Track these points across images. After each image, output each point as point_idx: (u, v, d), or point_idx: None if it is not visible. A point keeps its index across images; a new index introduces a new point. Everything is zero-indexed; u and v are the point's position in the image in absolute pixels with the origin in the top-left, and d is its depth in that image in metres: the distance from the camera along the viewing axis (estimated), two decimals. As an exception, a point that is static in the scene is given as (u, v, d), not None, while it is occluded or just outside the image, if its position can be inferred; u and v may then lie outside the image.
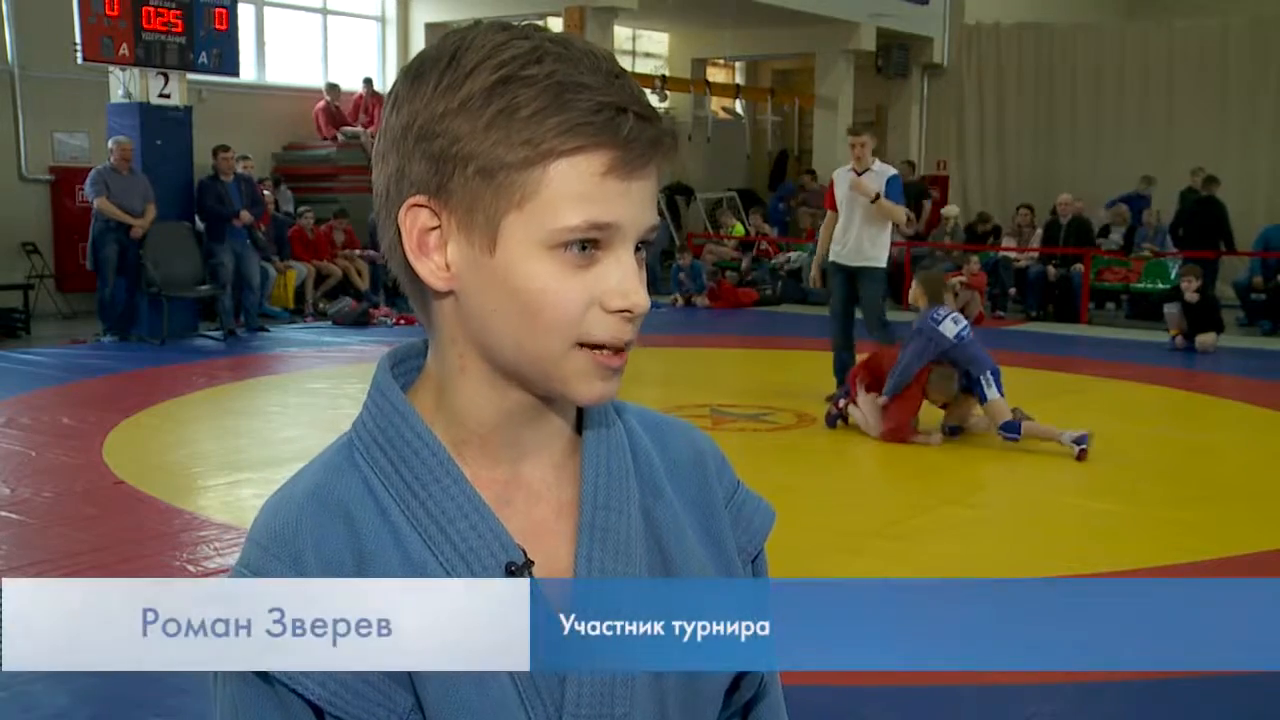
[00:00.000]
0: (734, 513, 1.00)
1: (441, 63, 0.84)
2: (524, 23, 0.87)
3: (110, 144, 10.42)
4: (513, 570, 0.85)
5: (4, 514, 5.09)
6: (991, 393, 6.78)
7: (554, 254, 0.83)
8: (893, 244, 8.66)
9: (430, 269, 0.85)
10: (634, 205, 0.84)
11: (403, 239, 0.86)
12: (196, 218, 11.37)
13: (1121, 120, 17.32)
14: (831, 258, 7.89)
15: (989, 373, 6.80)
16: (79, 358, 9.61)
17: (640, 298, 0.85)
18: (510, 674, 0.84)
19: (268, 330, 11.31)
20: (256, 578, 0.84)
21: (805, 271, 15.05)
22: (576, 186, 0.82)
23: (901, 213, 7.81)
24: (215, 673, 0.86)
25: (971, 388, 6.80)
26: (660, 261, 15.32)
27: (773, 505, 1.04)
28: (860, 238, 7.66)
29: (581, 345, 0.84)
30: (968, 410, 6.97)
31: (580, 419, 0.95)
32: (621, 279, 0.84)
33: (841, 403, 7.25)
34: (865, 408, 6.92)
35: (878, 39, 17.32)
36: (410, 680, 0.83)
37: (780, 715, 1.05)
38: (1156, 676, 3.63)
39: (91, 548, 4.64)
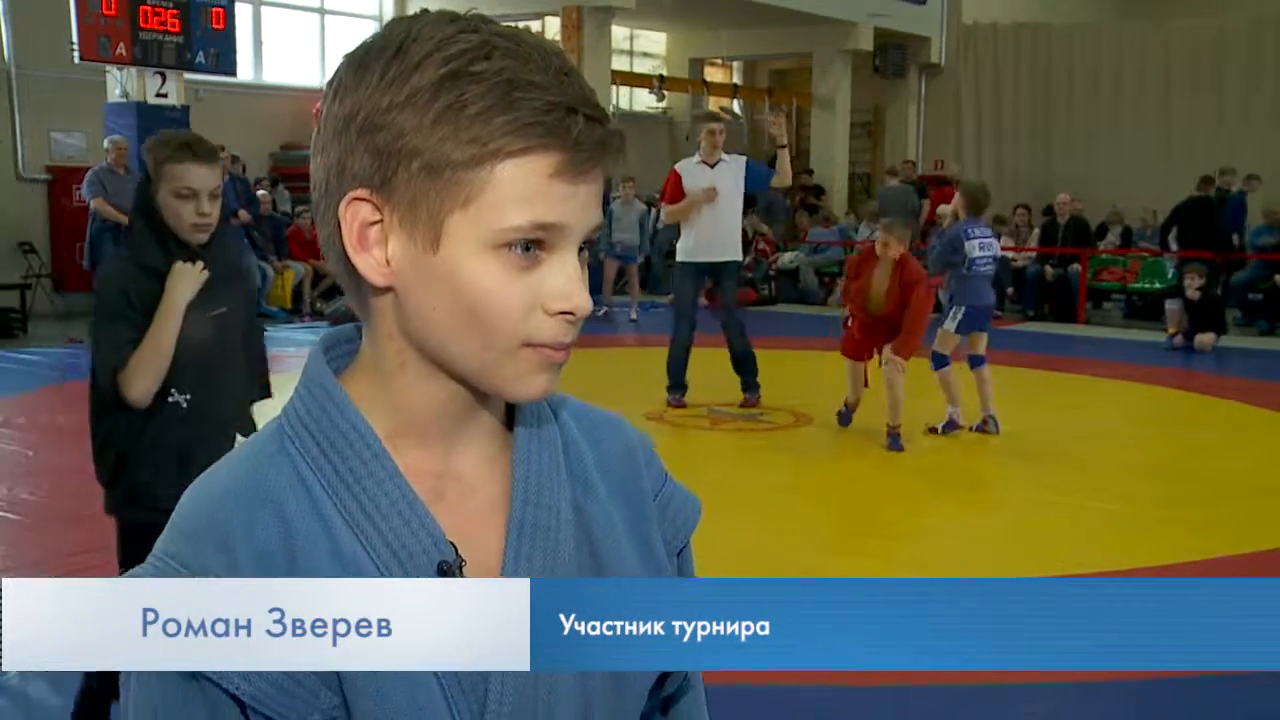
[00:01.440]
0: (661, 505, 1.00)
1: (387, 53, 0.82)
2: (470, 12, 0.85)
3: (106, 144, 10.42)
4: (445, 569, 0.85)
5: (1, 514, 5.08)
6: (948, 323, 6.85)
7: (497, 254, 0.82)
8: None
9: (370, 264, 0.84)
10: (580, 207, 0.83)
11: (342, 232, 0.84)
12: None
13: (1118, 120, 17.35)
14: (687, 257, 7.56)
15: (963, 308, 6.80)
16: (76, 357, 9.59)
17: (583, 299, 0.84)
18: (435, 673, 0.83)
19: (264, 330, 11.28)
20: (183, 569, 0.82)
21: (802, 271, 15.12)
22: (523, 187, 0.81)
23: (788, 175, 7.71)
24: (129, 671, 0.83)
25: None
26: (663, 261, 15.32)
27: (700, 499, 1.04)
28: (725, 233, 7.46)
29: (525, 345, 0.84)
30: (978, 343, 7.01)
31: (511, 411, 0.94)
32: (565, 281, 0.83)
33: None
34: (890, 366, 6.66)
35: (875, 39, 17.34)
36: (338, 680, 0.82)
37: (701, 709, 1.04)
38: (1157, 676, 3.63)
39: (89, 548, 4.63)
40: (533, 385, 0.86)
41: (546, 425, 0.94)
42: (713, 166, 7.36)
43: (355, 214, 0.83)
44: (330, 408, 0.88)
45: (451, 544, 0.86)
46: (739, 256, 7.60)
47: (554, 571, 0.89)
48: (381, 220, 0.83)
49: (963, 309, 6.84)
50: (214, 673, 0.80)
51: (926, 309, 6.49)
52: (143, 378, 2.57)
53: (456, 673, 0.84)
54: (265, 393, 3.08)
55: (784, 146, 7.57)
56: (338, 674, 0.82)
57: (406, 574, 0.84)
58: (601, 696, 0.91)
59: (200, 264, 2.64)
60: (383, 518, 0.85)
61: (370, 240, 0.83)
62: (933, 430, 6.96)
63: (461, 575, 0.85)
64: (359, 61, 0.83)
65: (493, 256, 0.81)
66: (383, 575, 0.84)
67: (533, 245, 0.82)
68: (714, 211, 7.34)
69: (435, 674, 0.84)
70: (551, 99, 0.80)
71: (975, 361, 7.00)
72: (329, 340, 0.93)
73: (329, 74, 0.88)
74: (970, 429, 6.97)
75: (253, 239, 11.41)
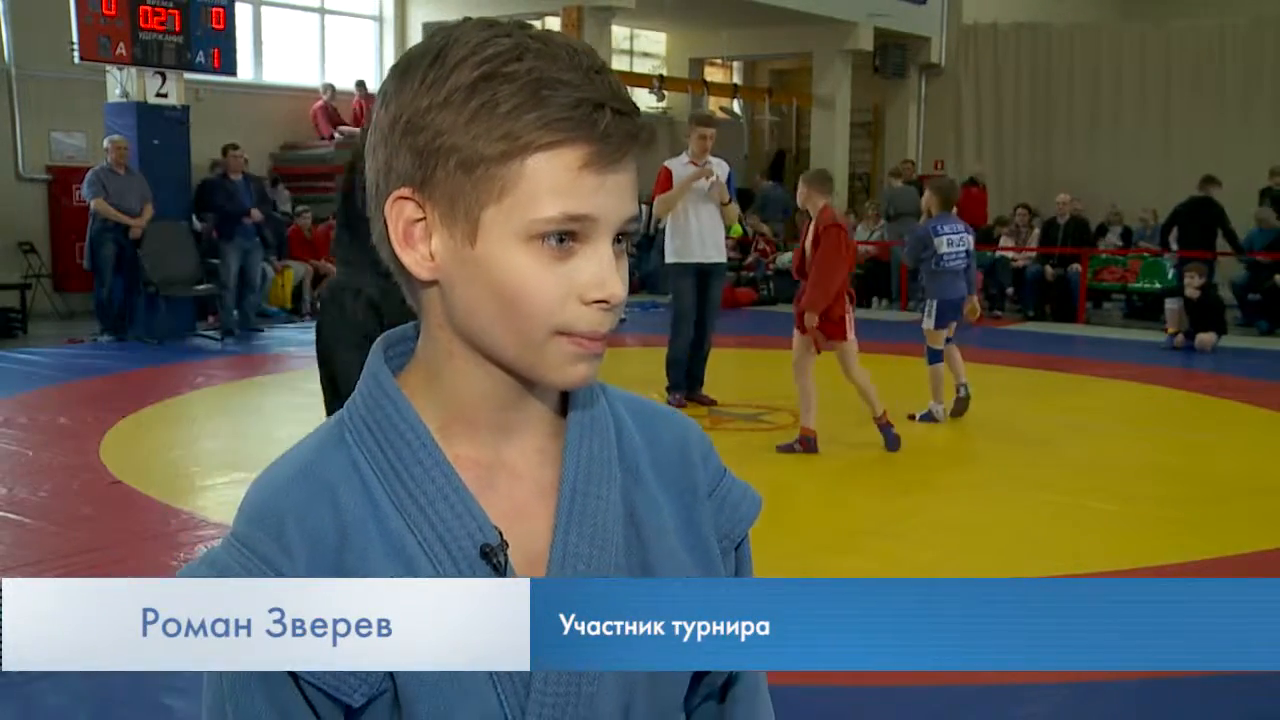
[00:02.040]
0: (719, 500, 1.02)
1: (428, 59, 0.86)
2: (510, 20, 0.89)
3: (106, 143, 10.42)
4: (487, 552, 0.88)
5: (1, 514, 5.08)
6: (925, 321, 7.00)
7: (531, 246, 0.85)
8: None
9: (415, 259, 0.88)
10: (611, 197, 0.86)
11: (389, 231, 0.88)
12: (194, 217, 11.37)
13: (1118, 120, 17.35)
14: (679, 257, 7.58)
15: (935, 303, 6.91)
16: (76, 357, 9.60)
17: (617, 288, 0.87)
18: None
19: (263, 330, 11.31)
20: (245, 549, 0.87)
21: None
22: (553, 180, 0.84)
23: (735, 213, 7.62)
24: None
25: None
26: (663, 261, 15.31)
27: (760, 494, 1.06)
28: (715, 233, 7.51)
29: (561, 334, 0.87)
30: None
31: (565, 402, 0.97)
32: (598, 270, 0.86)
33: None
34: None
35: (875, 39, 17.33)
36: None
37: (758, 692, 1.05)
38: (1156, 676, 3.63)
39: (88, 548, 4.64)
40: (572, 374, 0.89)
41: (600, 415, 0.97)
42: (700, 167, 7.42)
43: (400, 212, 0.88)
44: (384, 401, 0.92)
45: (497, 529, 0.89)
46: (724, 259, 7.67)
47: (601, 560, 0.92)
48: (424, 218, 0.88)
49: (935, 303, 7.04)
50: None
51: (833, 254, 6.25)
52: None
53: None
54: None
55: (727, 203, 7.49)
56: None
57: (451, 557, 0.88)
58: (644, 684, 0.93)
59: None
60: (429, 503, 0.89)
61: (415, 237, 0.88)
62: (911, 417, 7.21)
63: (505, 559, 0.88)
64: (403, 68, 0.88)
65: (527, 248, 0.85)
66: (429, 558, 0.88)
67: (566, 237, 0.86)
68: (698, 212, 7.41)
69: None
70: (579, 95, 0.84)
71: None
72: (390, 338, 0.98)
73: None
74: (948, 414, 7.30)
75: (264, 238, 11.42)
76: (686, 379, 7.73)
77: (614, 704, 0.91)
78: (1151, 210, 14.80)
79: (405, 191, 0.87)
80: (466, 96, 0.84)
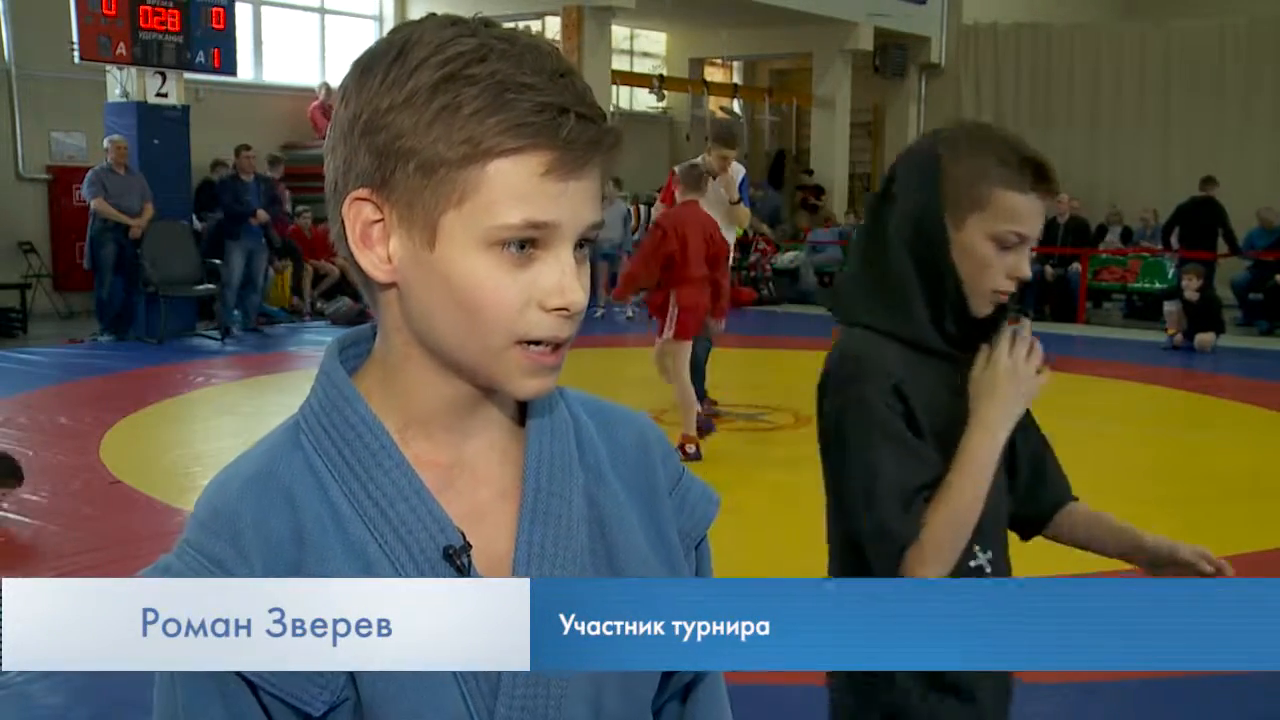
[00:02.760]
0: (678, 499, 1.01)
1: (389, 56, 0.84)
2: (476, 17, 0.87)
3: (106, 143, 10.42)
4: (450, 553, 0.87)
5: (1, 514, 5.08)
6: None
7: (492, 252, 0.84)
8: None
9: (373, 261, 0.87)
10: (573, 205, 0.85)
11: (346, 231, 0.87)
12: (194, 217, 11.37)
13: (1118, 120, 17.34)
14: None
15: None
16: (76, 357, 9.60)
17: (577, 295, 0.86)
18: None
19: (264, 330, 11.31)
20: (201, 556, 0.86)
21: (802, 271, 15.11)
22: (515, 186, 0.83)
23: (745, 215, 7.61)
24: None
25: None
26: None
27: (718, 494, 1.05)
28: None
29: (519, 343, 0.86)
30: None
31: (524, 405, 0.96)
32: (559, 278, 0.85)
33: None
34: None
35: (875, 39, 17.33)
36: None
37: (718, 694, 1.05)
38: (1157, 676, 3.63)
39: (88, 547, 4.64)
40: (529, 385, 0.88)
41: (559, 417, 0.96)
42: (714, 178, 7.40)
43: (358, 213, 0.86)
44: (341, 402, 0.91)
45: (459, 530, 0.88)
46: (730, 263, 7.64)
47: (566, 559, 0.90)
48: (383, 219, 0.86)
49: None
50: None
51: (647, 249, 6.37)
52: (946, 552, 1.55)
53: None
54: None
55: (736, 202, 7.42)
56: None
57: (412, 559, 0.87)
58: (613, 685, 0.92)
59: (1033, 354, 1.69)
60: (389, 504, 0.87)
61: (373, 238, 0.86)
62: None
63: (468, 560, 0.87)
64: (364, 66, 0.86)
65: (487, 254, 0.84)
66: (389, 560, 0.87)
67: (527, 243, 0.84)
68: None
69: None
70: (543, 100, 0.82)
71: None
72: (345, 339, 0.96)
73: (329, 74, 0.89)
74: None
75: (270, 240, 11.43)
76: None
77: (584, 706, 0.90)
78: (1152, 210, 14.80)
79: (364, 192, 0.85)
80: (428, 98, 0.82)
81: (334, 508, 0.88)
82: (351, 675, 0.84)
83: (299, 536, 0.86)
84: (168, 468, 6.09)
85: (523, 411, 0.95)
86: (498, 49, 0.83)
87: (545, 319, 0.85)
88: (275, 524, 0.86)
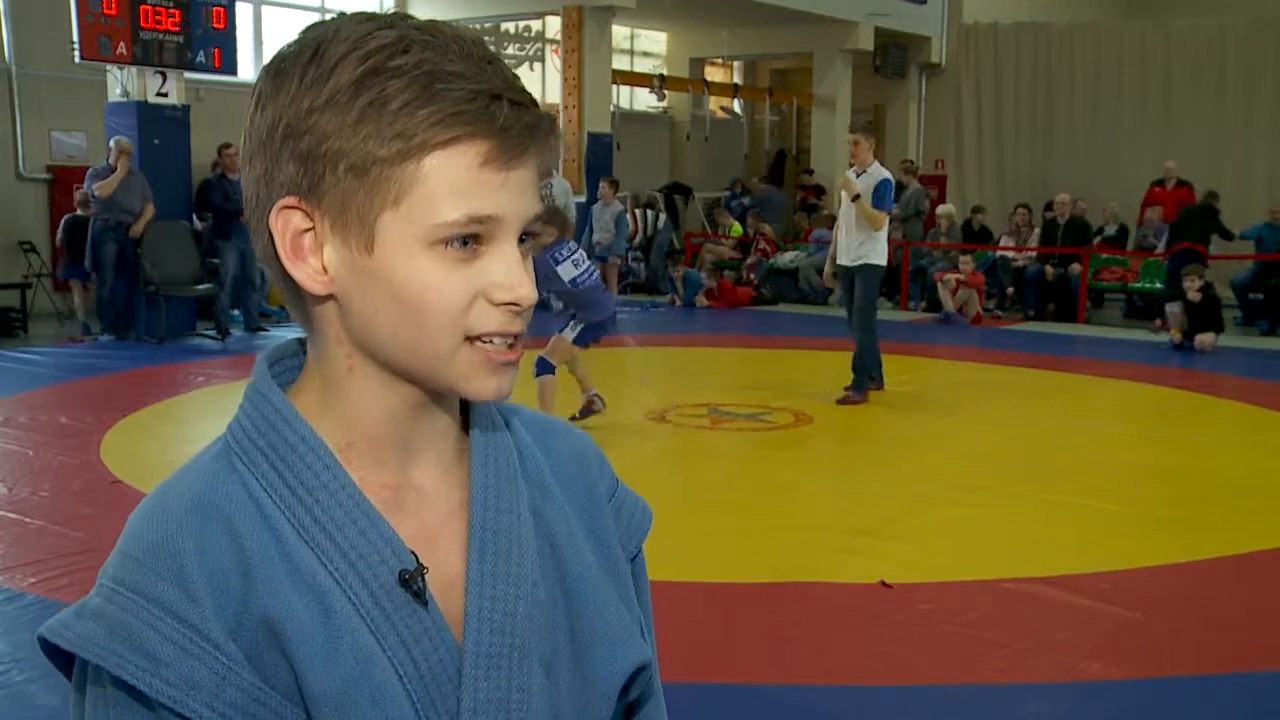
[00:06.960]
0: (615, 510, 1.00)
1: (304, 57, 0.81)
2: (393, 11, 0.85)
3: (110, 144, 10.42)
4: (405, 578, 0.83)
5: (1, 514, 5.08)
6: (566, 331, 6.60)
7: (434, 250, 0.80)
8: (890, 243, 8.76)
9: (307, 274, 0.82)
10: (513, 195, 0.82)
11: (276, 244, 0.82)
12: (195, 217, 11.37)
13: (1119, 120, 17.35)
14: (831, 262, 8.27)
15: (582, 324, 6.61)
16: (76, 357, 9.60)
17: (527, 290, 0.82)
18: (405, 688, 0.82)
19: (266, 330, 11.31)
20: (139, 597, 0.79)
21: (801, 271, 15.09)
22: (453, 179, 0.79)
23: (881, 218, 7.84)
24: (83, 696, 0.82)
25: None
26: (664, 261, 15.32)
27: (649, 505, 1.04)
28: (851, 238, 7.90)
29: (470, 339, 0.82)
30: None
31: (466, 419, 0.93)
32: (506, 272, 0.82)
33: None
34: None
35: (876, 38, 17.34)
36: (300, 695, 0.80)
37: (662, 713, 1.03)
38: (1157, 676, 3.63)
39: (88, 547, 4.64)
40: (486, 386, 0.84)
41: (500, 432, 0.93)
42: (859, 176, 7.88)
43: (286, 223, 0.82)
44: (277, 421, 0.86)
45: (412, 552, 0.84)
46: (856, 262, 7.90)
47: (519, 577, 0.88)
48: (313, 228, 0.82)
49: (583, 323, 6.67)
50: (170, 700, 0.78)
51: None
52: None
53: (427, 685, 0.83)
54: None
55: (856, 198, 7.78)
56: (301, 690, 0.80)
57: (365, 585, 0.82)
58: (571, 706, 0.90)
59: None
60: (338, 529, 0.83)
61: (305, 249, 0.82)
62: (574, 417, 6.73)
63: (423, 583, 0.83)
64: (277, 69, 0.82)
65: (429, 253, 0.80)
66: (341, 588, 0.82)
67: (470, 239, 0.81)
68: (845, 218, 7.94)
69: (406, 690, 0.82)
70: (474, 87, 0.79)
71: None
72: (273, 355, 0.91)
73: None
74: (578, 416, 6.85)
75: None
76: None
77: None
78: (1156, 208, 14.76)
79: (290, 200, 0.81)
80: (352, 95, 0.78)
81: (278, 535, 0.82)
82: (308, 712, 0.80)
83: (246, 571, 0.81)
84: (168, 467, 6.01)
85: (465, 427, 0.92)
86: (419, 39, 0.80)
87: (494, 313, 0.82)
88: (218, 558, 0.80)
